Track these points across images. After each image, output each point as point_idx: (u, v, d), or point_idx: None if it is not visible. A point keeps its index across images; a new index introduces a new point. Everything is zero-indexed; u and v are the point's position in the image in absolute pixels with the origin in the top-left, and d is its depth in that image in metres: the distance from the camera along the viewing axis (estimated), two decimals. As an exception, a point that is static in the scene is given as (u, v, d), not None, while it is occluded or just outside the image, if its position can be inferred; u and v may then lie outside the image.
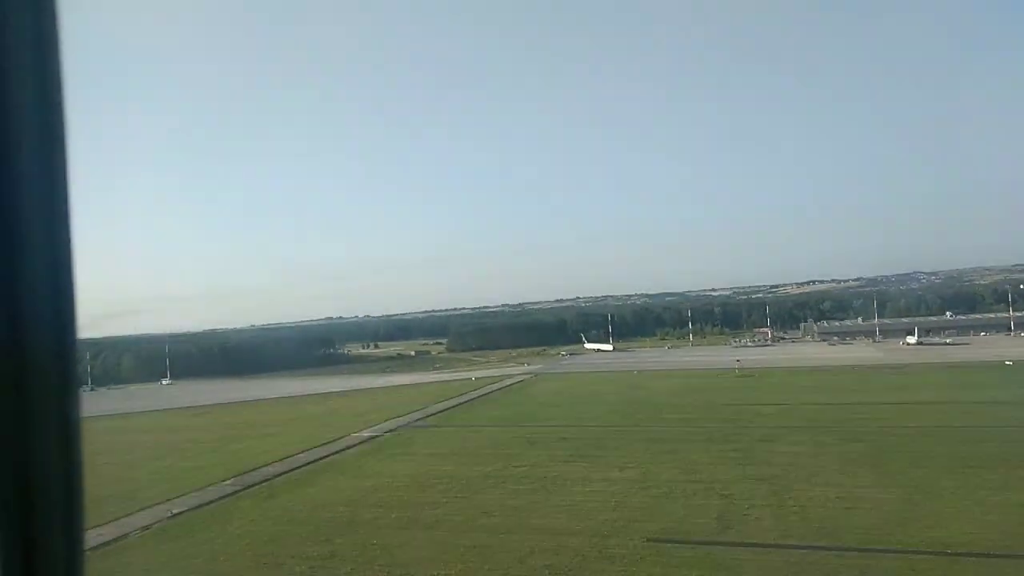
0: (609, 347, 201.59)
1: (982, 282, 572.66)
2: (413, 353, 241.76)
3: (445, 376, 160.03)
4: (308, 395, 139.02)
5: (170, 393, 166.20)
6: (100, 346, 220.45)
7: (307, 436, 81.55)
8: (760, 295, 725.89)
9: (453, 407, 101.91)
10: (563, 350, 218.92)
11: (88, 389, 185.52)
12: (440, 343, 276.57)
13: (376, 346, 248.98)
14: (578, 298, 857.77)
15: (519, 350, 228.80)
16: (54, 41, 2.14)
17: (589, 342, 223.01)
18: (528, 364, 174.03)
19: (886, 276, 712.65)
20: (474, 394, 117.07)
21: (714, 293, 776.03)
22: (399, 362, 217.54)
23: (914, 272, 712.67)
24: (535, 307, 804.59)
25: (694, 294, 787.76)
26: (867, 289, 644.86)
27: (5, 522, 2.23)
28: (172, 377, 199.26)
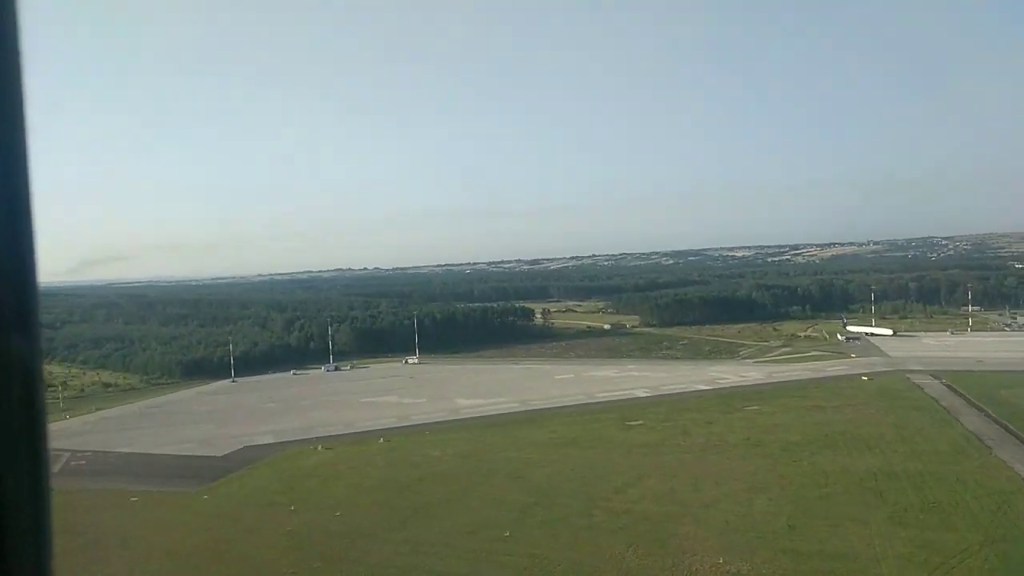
0: (886, 331, 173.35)
1: (1013, 249, 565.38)
2: (607, 327, 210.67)
3: (800, 368, 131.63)
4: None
5: (492, 382, 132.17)
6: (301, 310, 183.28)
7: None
8: (787, 256, 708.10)
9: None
10: (807, 330, 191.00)
11: (331, 368, 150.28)
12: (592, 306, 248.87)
13: (547, 313, 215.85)
14: (594, 255, 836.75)
15: (725, 326, 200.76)
16: None
17: (852, 324, 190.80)
18: (853, 354, 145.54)
19: (900, 240, 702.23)
20: None
21: (737, 253, 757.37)
22: (620, 341, 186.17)
23: (930, 236, 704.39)
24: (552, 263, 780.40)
25: (715, 253, 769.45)
26: (894, 254, 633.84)
27: None
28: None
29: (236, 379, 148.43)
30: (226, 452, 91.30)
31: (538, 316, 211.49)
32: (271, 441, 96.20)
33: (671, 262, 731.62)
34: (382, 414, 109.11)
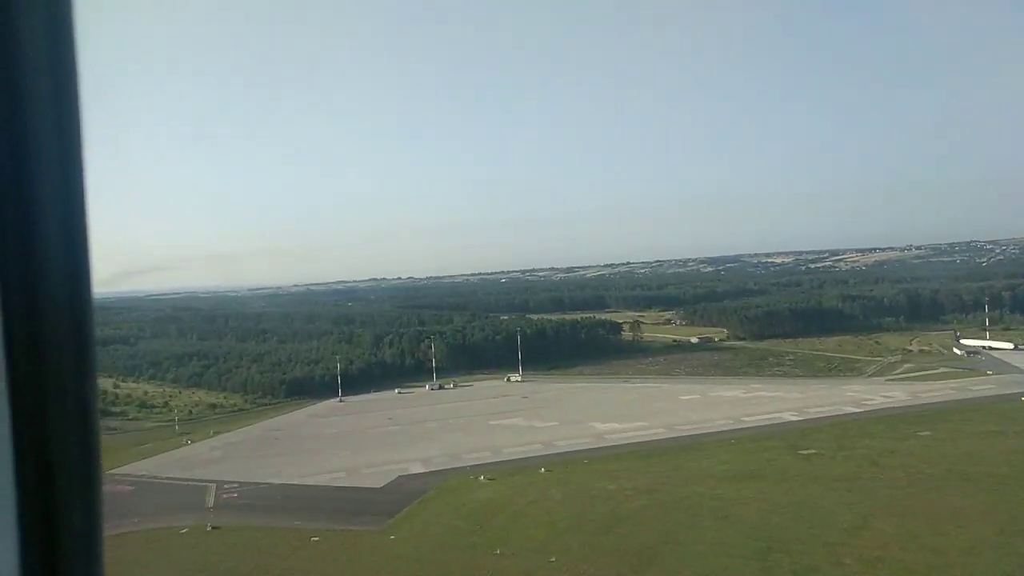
0: (1006, 344, 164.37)
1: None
2: (694, 340, 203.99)
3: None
4: None
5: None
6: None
7: None
8: (828, 262, 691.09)
9: None
10: (910, 342, 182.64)
11: (435, 387, 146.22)
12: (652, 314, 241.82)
13: (636, 327, 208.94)
14: (629, 262, 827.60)
15: (818, 339, 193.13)
16: None
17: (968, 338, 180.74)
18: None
19: (942, 245, 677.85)
20: None
21: (776, 260, 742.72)
22: (720, 356, 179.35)
23: (972, 241, 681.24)
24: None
25: (752, 259, 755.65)
26: (940, 259, 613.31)
27: (24, 500, 2.23)
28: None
29: (343, 398, 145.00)
30: (383, 484, 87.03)
31: (626, 330, 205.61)
32: (423, 471, 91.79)
33: (710, 269, 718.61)
34: (523, 440, 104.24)
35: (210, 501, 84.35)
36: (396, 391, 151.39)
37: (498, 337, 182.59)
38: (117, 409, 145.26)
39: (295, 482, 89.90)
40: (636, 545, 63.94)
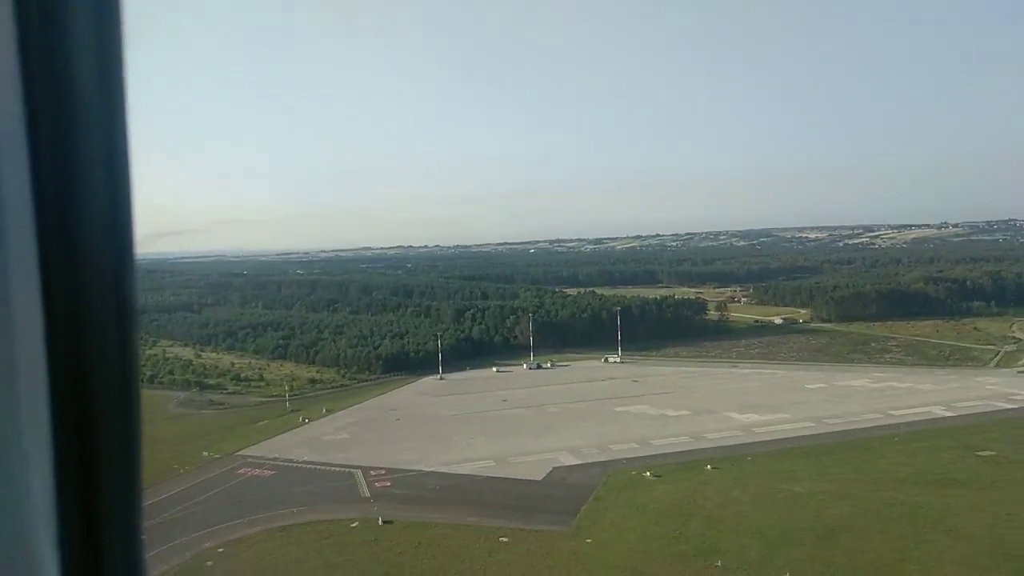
0: None
1: None
2: (778, 321, 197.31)
3: None
4: None
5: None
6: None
7: None
8: (864, 239, 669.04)
9: None
10: (1010, 327, 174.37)
11: (533, 366, 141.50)
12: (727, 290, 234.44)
13: (723, 307, 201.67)
14: (658, 234, 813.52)
15: (906, 323, 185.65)
16: None
17: None
18: None
19: (979, 223, 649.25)
20: None
21: (809, 235, 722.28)
22: (818, 340, 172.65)
23: (1011, 219, 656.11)
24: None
25: (785, 233, 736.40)
26: (980, 237, 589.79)
27: (65, 494, 2.23)
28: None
29: (443, 376, 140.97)
30: (541, 476, 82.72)
31: (712, 309, 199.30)
32: (576, 462, 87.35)
33: (743, 243, 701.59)
34: (667, 431, 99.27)
35: (364, 490, 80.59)
36: (493, 369, 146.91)
37: (584, 315, 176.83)
38: (211, 381, 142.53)
39: (443, 470, 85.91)
40: (872, 561, 59.01)
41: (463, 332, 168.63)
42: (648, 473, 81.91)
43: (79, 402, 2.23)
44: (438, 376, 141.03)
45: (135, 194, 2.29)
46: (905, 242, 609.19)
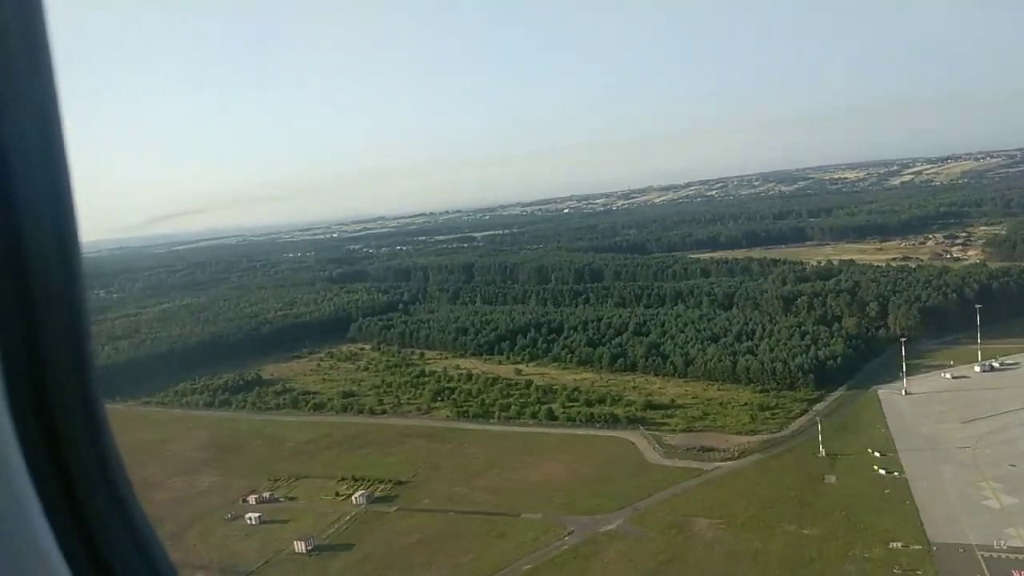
0: None
1: None
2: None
3: None
4: None
5: None
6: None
7: None
8: (905, 175, 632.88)
9: None
10: None
11: (986, 368, 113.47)
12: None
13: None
14: (689, 182, 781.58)
15: None
16: None
17: None
18: None
19: (1016, 152, 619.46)
20: None
21: (848, 176, 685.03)
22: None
23: None
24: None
25: (820, 174, 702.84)
26: (1020, 168, 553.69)
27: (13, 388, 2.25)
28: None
29: (908, 389, 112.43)
30: None
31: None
32: None
33: (787, 188, 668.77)
34: None
35: None
36: (945, 375, 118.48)
37: (952, 293, 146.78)
38: (619, 411, 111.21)
39: None
40: None
41: (804, 327, 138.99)
42: None
43: (39, 406, 2.24)
44: (900, 390, 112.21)
45: (76, 192, 2.23)
46: (950, 176, 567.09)
